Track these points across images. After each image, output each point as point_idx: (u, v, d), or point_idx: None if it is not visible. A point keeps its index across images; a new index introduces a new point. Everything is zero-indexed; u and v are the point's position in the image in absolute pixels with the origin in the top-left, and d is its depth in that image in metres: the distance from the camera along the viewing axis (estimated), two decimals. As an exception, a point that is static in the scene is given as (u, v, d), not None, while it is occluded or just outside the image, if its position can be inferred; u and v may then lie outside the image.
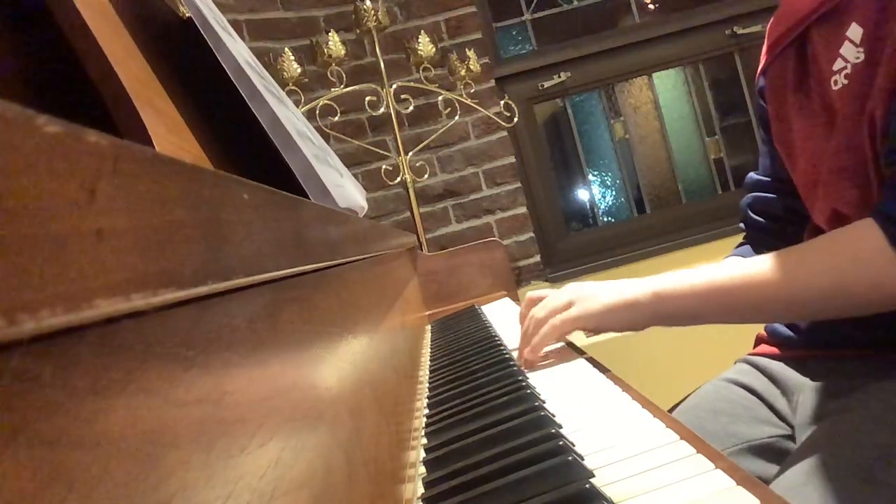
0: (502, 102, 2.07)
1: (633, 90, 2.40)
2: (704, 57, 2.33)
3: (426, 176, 2.05)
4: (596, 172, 2.42)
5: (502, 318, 1.26)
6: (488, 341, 0.95)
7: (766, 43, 0.90)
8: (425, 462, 0.55)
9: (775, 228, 0.95)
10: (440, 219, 2.19)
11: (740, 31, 2.27)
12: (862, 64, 0.71)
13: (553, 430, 0.52)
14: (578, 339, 0.87)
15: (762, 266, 0.71)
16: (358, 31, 1.97)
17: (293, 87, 1.82)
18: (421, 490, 0.51)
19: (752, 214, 0.98)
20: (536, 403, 0.59)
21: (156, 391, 0.16)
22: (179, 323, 0.18)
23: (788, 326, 0.89)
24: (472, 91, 2.04)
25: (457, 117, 2.09)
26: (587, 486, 0.42)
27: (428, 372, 0.93)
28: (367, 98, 1.95)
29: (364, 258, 0.60)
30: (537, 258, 2.20)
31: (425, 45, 1.94)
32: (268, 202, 0.26)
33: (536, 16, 2.35)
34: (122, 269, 0.14)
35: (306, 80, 1.89)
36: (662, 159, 2.38)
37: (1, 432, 0.11)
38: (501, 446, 0.51)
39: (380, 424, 0.46)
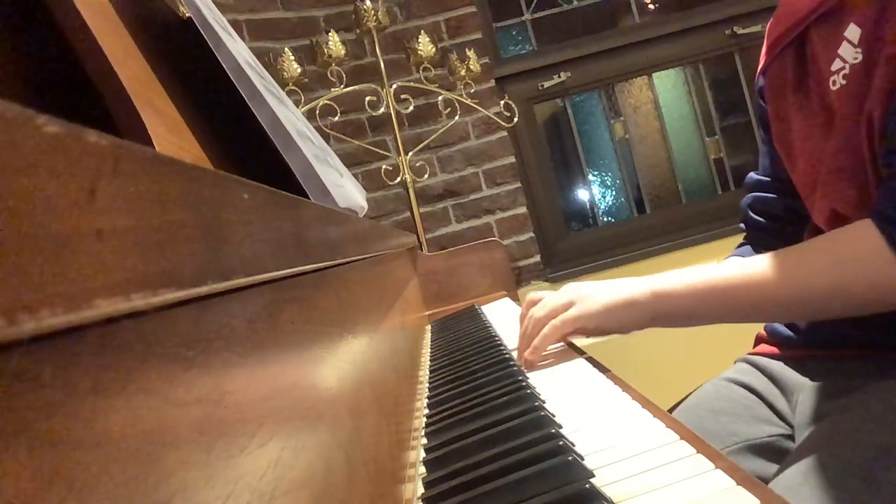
0: (502, 102, 2.07)
1: (633, 90, 2.40)
2: (704, 57, 2.33)
3: (426, 176, 2.06)
4: (596, 172, 2.42)
5: (502, 318, 1.26)
6: (488, 341, 0.95)
7: (765, 43, 0.90)
8: (425, 462, 0.55)
9: (775, 228, 0.95)
10: (440, 219, 2.19)
11: (740, 31, 2.27)
12: (860, 64, 0.71)
13: (553, 430, 0.52)
14: (578, 339, 0.87)
15: (761, 265, 0.71)
16: (358, 31, 1.97)
17: (293, 87, 1.82)
18: (421, 490, 0.51)
19: (752, 214, 0.98)
20: (536, 403, 0.59)
21: (156, 391, 0.16)
22: (179, 323, 0.18)
23: (788, 326, 0.90)
24: (472, 91, 2.04)
25: (457, 117, 2.09)
26: (587, 486, 0.42)
27: (428, 372, 0.93)
28: (367, 98, 1.95)
29: (364, 258, 0.60)
30: (537, 258, 2.20)
31: (425, 45, 1.94)
32: (268, 202, 0.26)
33: (536, 16, 2.35)
34: (122, 269, 0.14)
35: (306, 80, 1.89)
36: (662, 159, 2.38)
37: (1, 432, 0.11)
38: (501, 446, 0.51)
39: (380, 424, 0.46)
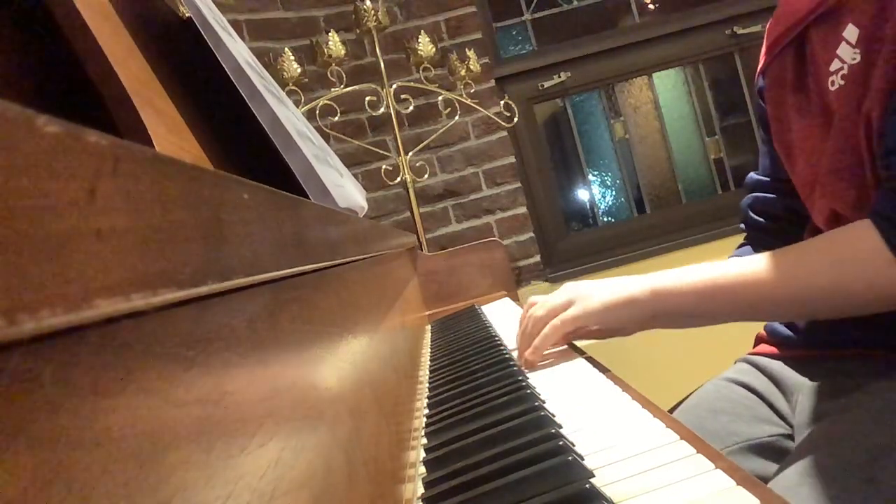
0: (502, 102, 2.07)
1: (633, 90, 2.40)
2: (704, 57, 2.33)
3: (426, 176, 2.06)
4: (596, 172, 2.42)
5: (502, 318, 1.26)
6: (488, 341, 0.95)
7: (765, 43, 0.90)
8: (425, 462, 0.55)
9: (775, 228, 0.95)
10: (440, 219, 2.19)
11: (740, 31, 2.27)
12: (858, 65, 0.71)
13: (553, 430, 0.52)
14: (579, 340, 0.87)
15: (760, 264, 0.71)
16: (358, 31, 1.97)
17: (293, 87, 1.82)
18: (421, 490, 0.51)
19: (752, 215, 0.98)
20: (536, 403, 0.59)
21: (156, 391, 0.16)
22: (179, 323, 0.18)
23: (788, 326, 0.90)
24: (472, 91, 2.04)
25: (457, 117, 2.09)
26: (587, 486, 0.42)
27: (428, 372, 0.93)
28: (367, 98, 1.95)
29: (364, 258, 0.60)
30: (537, 258, 2.20)
31: (425, 45, 1.94)
32: (268, 202, 0.26)
33: (536, 16, 2.35)
34: (122, 269, 0.14)
35: (306, 80, 1.89)
36: (662, 159, 2.38)
37: (1, 432, 0.11)
38: (501, 446, 0.51)
39: (380, 424, 0.46)
